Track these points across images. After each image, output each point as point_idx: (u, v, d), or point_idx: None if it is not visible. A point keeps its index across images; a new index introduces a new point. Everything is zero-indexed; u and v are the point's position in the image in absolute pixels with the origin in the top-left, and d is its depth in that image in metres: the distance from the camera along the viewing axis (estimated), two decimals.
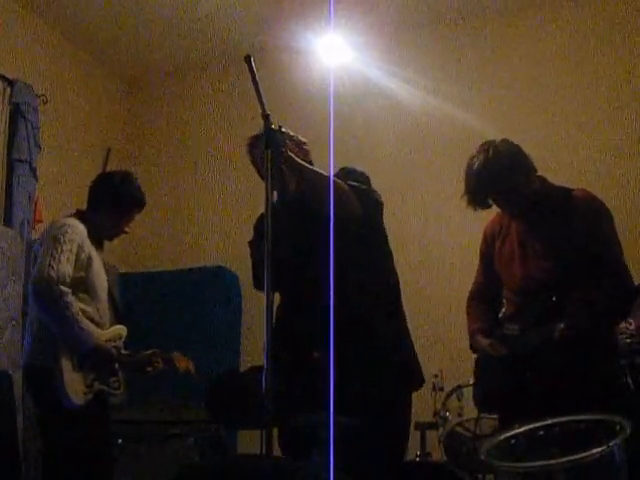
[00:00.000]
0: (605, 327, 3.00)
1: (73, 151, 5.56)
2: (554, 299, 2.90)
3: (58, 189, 5.21)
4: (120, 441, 4.37)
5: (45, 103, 5.16)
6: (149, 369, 3.53)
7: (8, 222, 4.79)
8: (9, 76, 4.95)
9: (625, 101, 4.91)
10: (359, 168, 2.84)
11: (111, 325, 3.47)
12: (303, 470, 1.98)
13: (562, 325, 2.83)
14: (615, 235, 3.01)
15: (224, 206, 5.68)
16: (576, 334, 2.82)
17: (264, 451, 1.99)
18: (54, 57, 5.48)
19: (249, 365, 3.01)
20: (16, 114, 4.93)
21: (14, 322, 4.50)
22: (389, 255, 2.82)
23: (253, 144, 2.74)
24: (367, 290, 2.63)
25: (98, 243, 3.49)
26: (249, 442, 4.73)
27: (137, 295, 5.72)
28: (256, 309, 4.89)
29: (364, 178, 2.79)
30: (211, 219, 5.73)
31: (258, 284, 2.77)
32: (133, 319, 5.57)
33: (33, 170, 4.97)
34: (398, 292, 2.79)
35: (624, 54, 4.96)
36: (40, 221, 4.94)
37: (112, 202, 3.46)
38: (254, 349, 5.10)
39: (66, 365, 3.18)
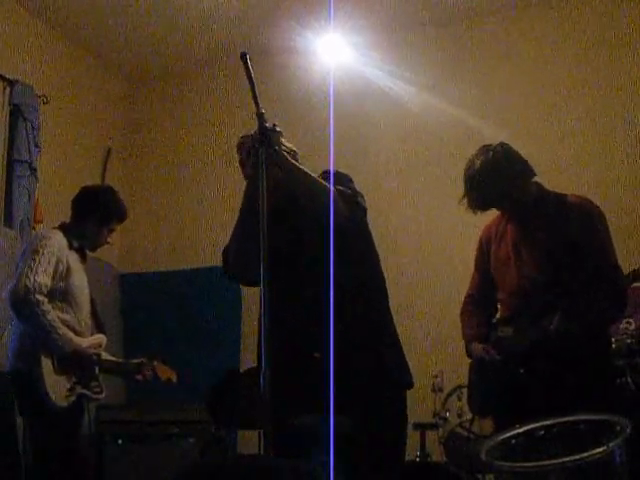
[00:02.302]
0: (598, 327, 3.00)
1: (73, 151, 5.56)
2: (548, 301, 2.92)
3: (58, 189, 5.20)
4: (120, 441, 4.38)
5: (45, 103, 5.16)
6: (139, 377, 3.68)
7: (8, 222, 4.79)
8: (9, 76, 4.94)
9: (627, 101, 4.91)
10: (342, 170, 2.81)
11: (92, 334, 3.61)
12: (302, 470, 1.98)
13: (557, 317, 2.84)
14: (609, 239, 3.02)
15: (224, 206, 5.66)
16: (570, 327, 2.83)
17: (263, 451, 1.99)
18: (54, 58, 5.47)
19: (249, 365, 3.01)
20: (16, 114, 4.92)
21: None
22: (376, 258, 2.80)
23: (242, 145, 2.70)
24: (354, 292, 2.61)
25: (81, 254, 3.62)
26: (249, 442, 4.74)
27: (137, 295, 5.73)
28: (256, 309, 4.88)
29: (347, 181, 2.77)
30: (211, 219, 5.72)
31: (228, 269, 2.75)
32: (134, 319, 5.63)
33: (33, 170, 4.97)
34: (386, 294, 2.78)
35: (626, 53, 4.96)
36: (40, 221, 4.94)
37: (93, 214, 3.61)
38: (254, 349, 5.09)
39: (47, 369, 3.30)
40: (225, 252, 2.75)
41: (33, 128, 4.97)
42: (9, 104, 4.93)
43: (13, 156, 4.88)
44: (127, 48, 5.80)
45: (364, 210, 2.74)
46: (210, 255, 5.59)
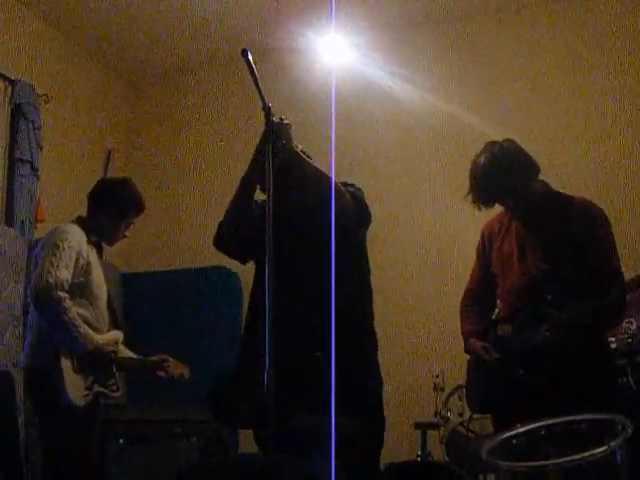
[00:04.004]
0: (597, 329, 3.00)
1: (74, 151, 5.57)
2: (549, 299, 2.92)
3: (59, 189, 5.22)
4: (121, 441, 4.37)
5: (46, 103, 5.17)
6: (161, 373, 3.60)
7: (9, 222, 4.80)
8: (11, 76, 4.95)
9: (626, 100, 4.91)
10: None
11: (109, 330, 3.54)
12: (302, 469, 1.98)
13: (545, 327, 2.85)
14: (613, 242, 3.02)
15: (225, 205, 5.66)
16: (559, 335, 2.84)
17: (264, 450, 1.99)
18: (56, 57, 5.48)
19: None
20: (18, 114, 4.93)
21: (15, 322, 4.50)
22: (369, 268, 2.83)
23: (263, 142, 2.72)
24: (349, 297, 2.62)
25: (98, 248, 3.57)
26: (250, 442, 4.74)
27: (139, 295, 5.73)
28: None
29: (360, 193, 2.80)
30: (212, 219, 5.71)
31: (221, 243, 2.78)
32: (135, 318, 5.62)
33: (34, 170, 4.97)
34: (372, 305, 2.82)
35: (625, 53, 4.96)
36: (41, 220, 4.94)
37: (112, 207, 3.53)
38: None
39: (66, 367, 3.24)
40: (219, 225, 2.80)
41: (34, 127, 4.98)
42: (10, 103, 4.93)
43: (15, 155, 4.89)
44: (129, 48, 5.81)
45: (369, 221, 2.76)
46: (211, 255, 5.59)
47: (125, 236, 3.63)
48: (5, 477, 3.92)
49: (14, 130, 4.92)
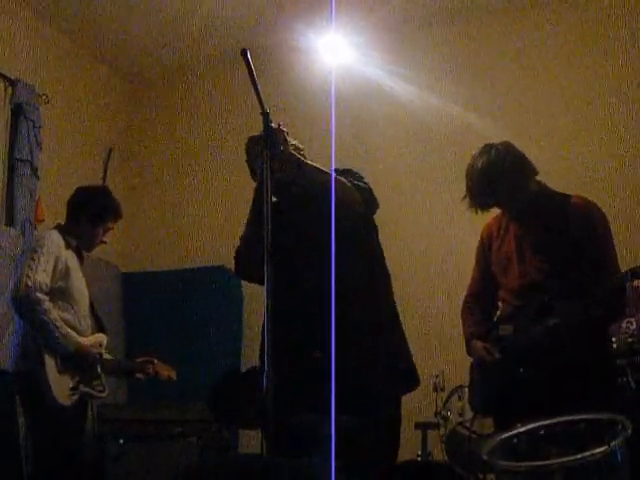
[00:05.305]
0: (597, 327, 3.00)
1: (74, 150, 5.56)
2: (549, 299, 2.92)
3: (60, 188, 5.19)
4: (121, 441, 4.38)
5: (46, 103, 5.16)
6: (139, 375, 3.74)
7: (10, 222, 4.80)
8: (11, 76, 4.95)
9: (627, 100, 4.91)
10: (354, 169, 2.82)
11: (92, 333, 3.63)
12: (301, 469, 1.98)
13: (556, 317, 2.85)
14: (611, 240, 3.03)
15: (225, 205, 5.68)
16: (559, 334, 2.84)
17: (265, 450, 1.98)
18: (56, 57, 5.48)
19: (251, 364, 3.02)
20: (18, 114, 4.93)
21: (16, 322, 4.49)
22: (382, 254, 2.82)
23: (250, 145, 2.72)
24: (365, 289, 2.62)
25: (78, 254, 3.66)
26: (250, 442, 4.74)
27: (139, 294, 5.74)
28: (258, 309, 4.88)
29: (359, 178, 2.78)
30: (212, 218, 5.73)
31: (239, 271, 2.76)
32: (135, 318, 5.63)
33: (34, 170, 4.97)
34: (391, 288, 2.79)
35: (626, 53, 4.95)
36: (42, 220, 4.94)
37: (89, 214, 3.64)
38: (255, 349, 5.09)
39: (51, 368, 3.33)
40: (237, 254, 2.76)
41: (34, 127, 4.98)
42: (10, 103, 4.93)
43: (15, 155, 4.89)
44: (129, 48, 5.81)
45: (377, 206, 2.75)
46: (212, 254, 5.61)
47: (104, 242, 3.73)
48: (5, 476, 3.94)
49: (14, 130, 4.92)
